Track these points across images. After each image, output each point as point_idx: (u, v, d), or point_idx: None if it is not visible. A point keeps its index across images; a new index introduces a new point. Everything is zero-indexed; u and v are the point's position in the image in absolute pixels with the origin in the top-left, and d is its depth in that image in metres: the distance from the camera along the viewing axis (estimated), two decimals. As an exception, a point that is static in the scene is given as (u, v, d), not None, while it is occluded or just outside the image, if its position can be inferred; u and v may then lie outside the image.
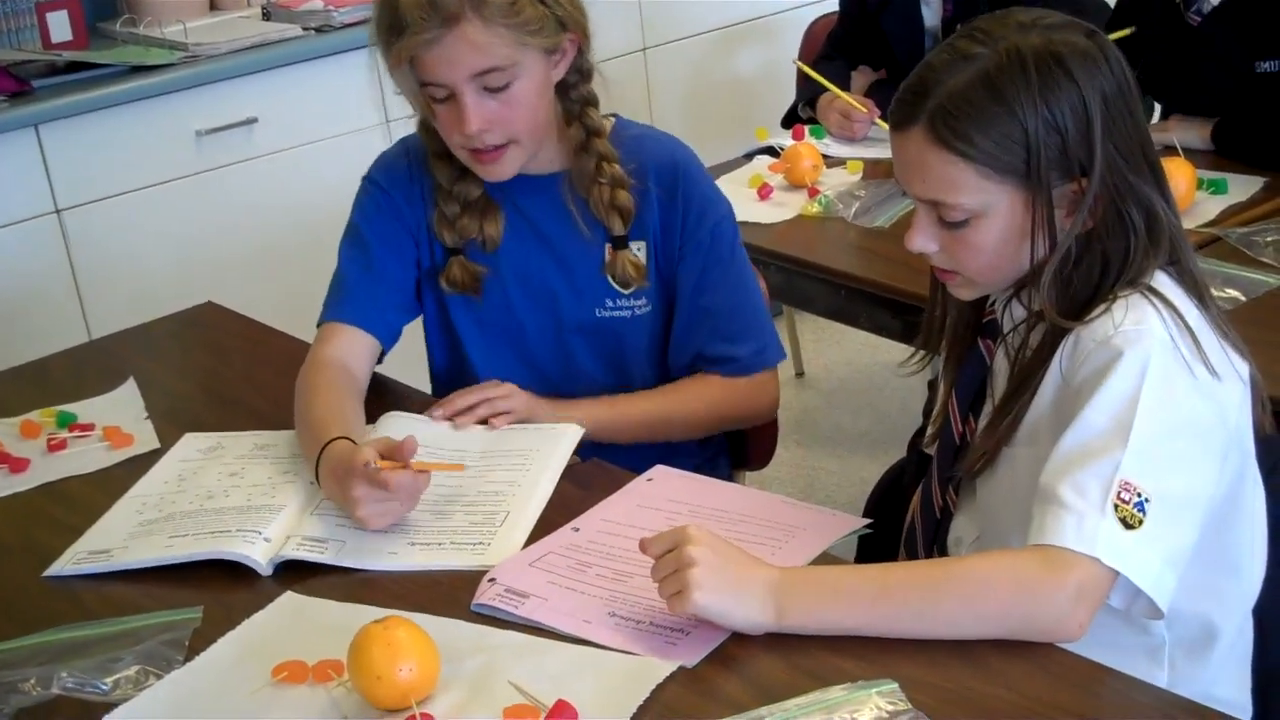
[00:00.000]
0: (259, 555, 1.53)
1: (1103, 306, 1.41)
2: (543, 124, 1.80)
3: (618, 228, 1.85)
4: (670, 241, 1.87)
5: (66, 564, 1.57)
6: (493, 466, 1.68)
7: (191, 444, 1.81)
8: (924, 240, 1.49)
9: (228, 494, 1.66)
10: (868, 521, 1.56)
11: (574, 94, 1.82)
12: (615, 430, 1.84)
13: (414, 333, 1.97)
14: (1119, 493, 1.31)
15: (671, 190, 1.85)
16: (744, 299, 1.91)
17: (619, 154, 1.84)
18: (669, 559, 1.35)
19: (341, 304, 1.87)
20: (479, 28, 1.67)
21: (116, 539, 1.60)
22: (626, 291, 1.88)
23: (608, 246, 1.86)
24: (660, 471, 1.68)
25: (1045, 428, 1.44)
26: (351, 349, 1.84)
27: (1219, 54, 2.56)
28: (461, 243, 1.87)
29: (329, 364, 1.81)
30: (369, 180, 1.93)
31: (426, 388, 2.01)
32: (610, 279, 1.87)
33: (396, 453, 1.55)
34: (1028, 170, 1.40)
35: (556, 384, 1.92)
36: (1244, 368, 1.46)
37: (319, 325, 1.88)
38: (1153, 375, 1.35)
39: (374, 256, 1.88)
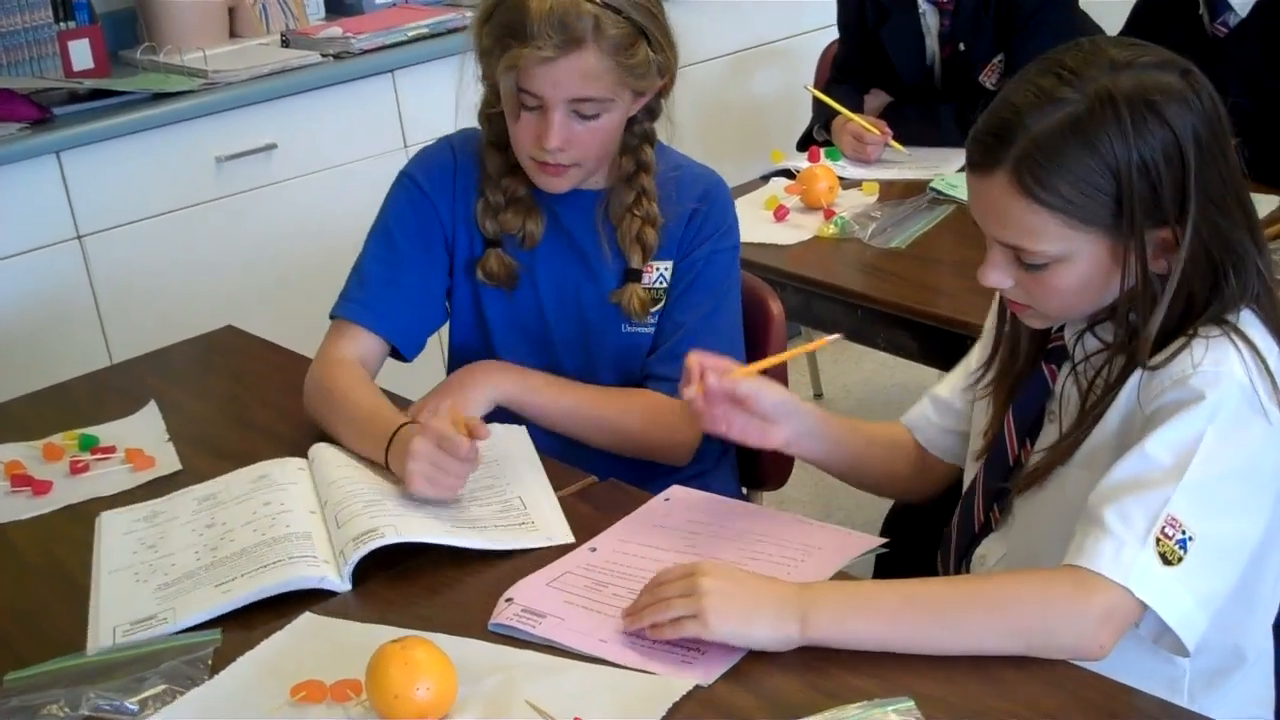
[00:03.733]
0: (332, 574, 1.52)
1: (1181, 341, 1.39)
2: (609, 154, 1.85)
3: (636, 261, 1.88)
4: (683, 259, 1.91)
5: (108, 641, 1.47)
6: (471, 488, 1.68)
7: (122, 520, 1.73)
8: (999, 277, 1.45)
9: (233, 538, 1.61)
10: (884, 541, 1.56)
11: (636, 128, 1.86)
12: (539, 407, 1.84)
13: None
14: (1164, 527, 1.30)
15: (694, 215, 1.90)
16: (713, 327, 1.90)
17: (657, 184, 1.88)
18: (678, 585, 1.36)
19: (360, 304, 1.89)
20: (595, 58, 1.71)
21: (148, 605, 1.52)
22: (653, 309, 1.91)
23: (623, 276, 1.90)
24: (677, 491, 1.69)
25: (1105, 453, 1.42)
26: (367, 352, 1.87)
27: (1241, 68, 2.55)
28: (501, 235, 1.90)
29: (351, 361, 1.83)
30: (406, 176, 1.94)
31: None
32: (618, 306, 1.90)
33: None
34: (1117, 220, 1.36)
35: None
36: None
37: (333, 314, 1.89)
38: (1222, 418, 1.33)
39: (400, 259, 1.90)
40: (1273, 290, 1.43)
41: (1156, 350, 1.40)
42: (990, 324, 1.66)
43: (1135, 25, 2.77)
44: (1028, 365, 1.57)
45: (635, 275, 1.89)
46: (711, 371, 1.56)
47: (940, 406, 1.71)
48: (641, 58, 1.74)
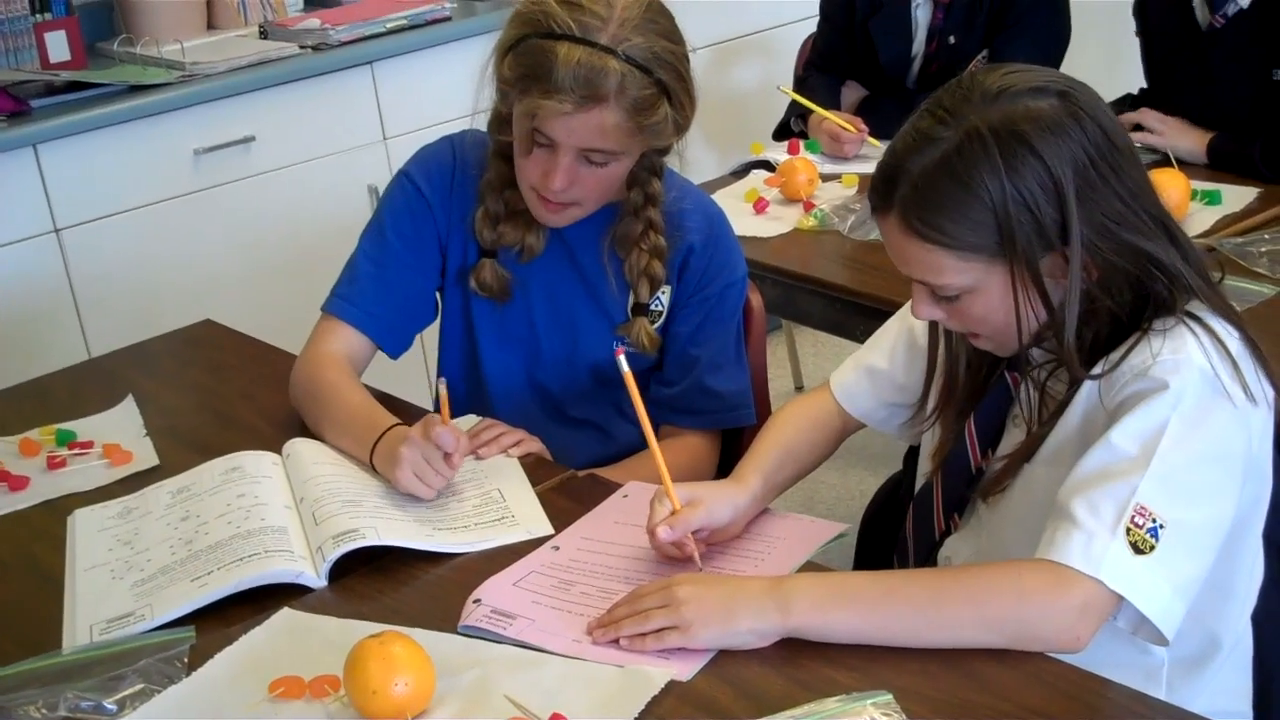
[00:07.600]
0: (309, 569, 1.51)
1: (1136, 336, 1.39)
2: (612, 195, 1.82)
3: (644, 295, 1.87)
4: (684, 291, 1.90)
5: (85, 639, 1.47)
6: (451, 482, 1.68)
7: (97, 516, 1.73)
8: (928, 310, 1.47)
9: (207, 531, 1.61)
10: (844, 527, 1.57)
11: (645, 160, 1.82)
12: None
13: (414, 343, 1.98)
14: (1133, 516, 1.30)
15: (700, 250, 1.88)
16: (726, 357, 1.93)
17: (663, 215, 1.86)
18: (655, 597, 1.36)
19: (349, 301, 1.88)
20: (613, 116, 1.68)
21: (125, 602, 1.51)
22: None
23: (630, 311, 1.89)
24: (635, 488, 1.68)
25: (1070, 449, 1.43)
26: (355, 350, 1.87)
27: (1235, 58, 2.55)
28: (497, 246, 1.88)
29: (340, 358, 1.84)
30: (405, 175, 1.92)
31: (422, 399, 2.01)
32: (624, 339, 1.88)
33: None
34: (1002, 249, 1.37)
35: (558, 402, 1.96)
36: (1269, 391, 1.42)
37: (324, 309, 1.89)
38: (1185, 404, 1.34)
39: (392, 259, 1.89)
40: (1211, 282, 1.44)
41: (1109, 350, 1.40)
42: (895, 328, 1.69)
43: (1139, 13, 2.79)
44: (976, 382, 1.57)
45: (642, 309, 1.88)
46: (661, 528, 1.49)
47: (878, 379, 1.71)
48: (660, 117, 1.70)
